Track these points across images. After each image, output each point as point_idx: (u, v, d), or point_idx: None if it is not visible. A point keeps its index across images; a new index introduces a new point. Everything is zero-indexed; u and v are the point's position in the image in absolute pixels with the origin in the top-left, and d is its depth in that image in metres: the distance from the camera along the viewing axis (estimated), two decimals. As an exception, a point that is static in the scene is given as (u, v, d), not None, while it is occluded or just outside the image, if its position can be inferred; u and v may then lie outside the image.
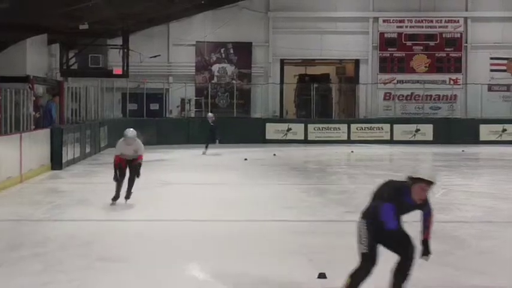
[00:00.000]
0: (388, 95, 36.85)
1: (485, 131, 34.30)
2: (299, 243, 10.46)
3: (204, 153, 26.79)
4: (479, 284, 8.30)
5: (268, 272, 8.63)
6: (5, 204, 14.46)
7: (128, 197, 14.11)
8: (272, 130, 34.19)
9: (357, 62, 37.33)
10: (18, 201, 15.29)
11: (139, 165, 14.07)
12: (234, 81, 36.34)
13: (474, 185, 18.38)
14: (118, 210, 13.60)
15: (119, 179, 14.04)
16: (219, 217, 12.83)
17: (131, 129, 13.97)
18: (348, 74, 38.92)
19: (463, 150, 29.40)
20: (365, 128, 34.68)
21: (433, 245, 10.40)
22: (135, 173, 14.03)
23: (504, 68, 36.87)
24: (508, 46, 36.52)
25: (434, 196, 15.86)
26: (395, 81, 36.67)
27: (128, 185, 14.11)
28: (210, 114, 28.83)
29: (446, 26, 36.75)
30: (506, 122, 34.59)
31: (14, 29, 22.52)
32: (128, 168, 14.13)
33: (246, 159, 24.84)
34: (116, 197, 14.07)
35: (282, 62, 37.19)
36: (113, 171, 14.09)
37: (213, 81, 36.33)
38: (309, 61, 38.26)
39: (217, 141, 27.43)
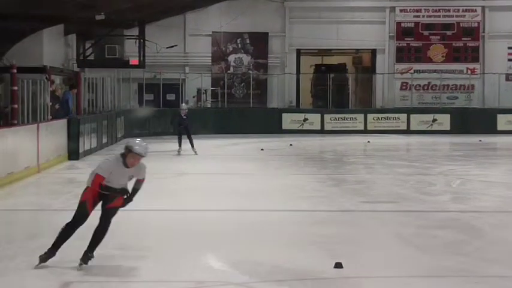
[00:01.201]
0: (404, 84, 36.72)
1: (503, 121, 34.11)
2: (315, 233, 10.46)
3: (179, 152, 22.69)
4: (495, 273, 8.28)
5: (284, 261, 8.63)
6: (23, 194, 14.55)
7: (88, 258, 8.53)
8: (288, 120, 34.16)
9: (373, 52, 37.19)
10: (36, 191, 15.41)
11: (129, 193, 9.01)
12: (250, 72, 36.33)
13: (491, 174, 18.28)
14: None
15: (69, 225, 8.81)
16: (235, 207, 12.84)
17: (144, 143, 8.64)
18: (365, 64, 38.82)
19: (480, 140, 29.26)
20: (381, 118, 34.57)
21: (449, 234, 10.47)
22: (106, 221, 8.85)
23: (522, 57, 36.65)
24: (525, 35, 36.30)
25: (451, 186, 15.92)
26: (412, 71, 36.52)
27: (93, 239, 8.77)
28: (184, 105, 24.35)
29: (464, 15, 36.52)
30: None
31: (31, 20, 22.62)
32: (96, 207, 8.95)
33: (262, 149, 24.84)
34: (45, 257, 8.50)
35: (299, 52, 37.12)
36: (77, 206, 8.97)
37: (229, 72, 36.35)
38: (326, 51, 38.19)
39: (194, 150, 22.64)
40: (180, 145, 22.86)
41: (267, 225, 11.16)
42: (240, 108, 34.56)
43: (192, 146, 22.70)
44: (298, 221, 11.50)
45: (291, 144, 27.03)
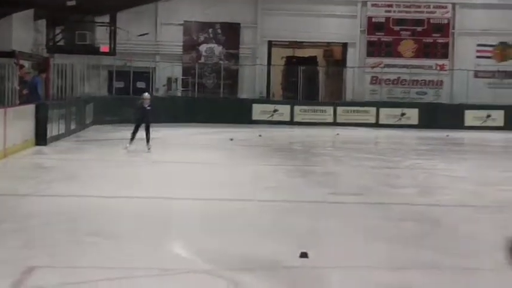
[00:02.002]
0: (374, 79, 36.93)
1: (470, 117, 34.48)
2: (282, 223, 10.52)
3: (127, 148, 19.74)
4: (458, 265, 8.38)
5: (250, 250, 8.68)
6: (-12, 179, 14.44)
7: None
8: (258, 111, 34.19)
9: (344, 46, 37.34)
10: (1, 176, 15.26)
11: None
12: (221, 62, 36.30)
13: (457, 169, 18.42)
14: (104, 187, 13.61)
15: None
16: (203, 196, 12.85)
17: None
18: (336, 57, 38.94)
19: (447, 135, 29.50)
20: (351, 111, 34.74)
21: (414, 227, 10.60)
22: None
23: (490, 54, 37.01)
24: (494, 33, 36.61)
25: (417, 179, 16.09)
26: (382, 65, 36.72)
27: None
28: (146, 94, 21.03)
29: (434, 12, 36.80)
30: (491, 108, 34.77)
31: (0, 4, 22.39)
32: None
33: (231, 139, 24.85)
34: None
35: (270, 44, 37.14)
36: None
37: (200, 61, 36.27)
38: (297, 43, 38.23)
39: (148, 146, 19.89)
40: (132, 139, 19.86)
41: (235, 214, 11.19)
42: (210, 98, 34.53)
43: (148, 142, 19.92)
44: (265, 211, 11.53)
45: (260, 135, 27.06)
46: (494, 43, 36.91)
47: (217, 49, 36.40)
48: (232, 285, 7.25)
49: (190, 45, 36.26)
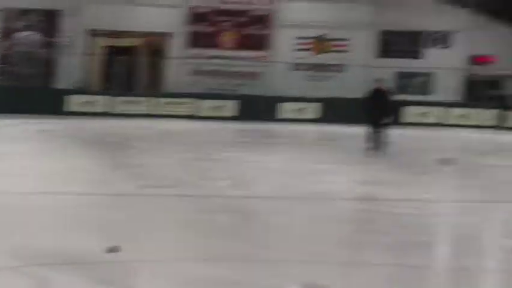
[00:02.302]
0: (195, 70, 37.09)
1: (286, 109, 35.29)
2: (91, 217, 10.41)
3: None
4: (271, 257, 8.60)
5: (57, 246, 8.53)
6: None
7: None
8: (75, 102, 33.33)
9: (166, 36, 37.24)
10: None
11: None
12: (38, 50, 35.23)
13: (270, 161, 18.74)
14: None
15: None
16: (8, 189, 12.35)
17: None
18: (157, 47, 38.73)
19: (262, 128, 29.98)
20: (170, 102, 34.69)
21: (228, 219, 10.79)
22: None
23: (309, 47, 38.12)
24: (313, 26, 37.63)
25: (231, 172, 16.33)
26: (204, 56, 36.94)
27: None
28: None
29: (256, 3, 37.41)
30: (307, 100, 35.75)
31: None
32: None
33: (42, 130, 24.07)
34: None
35: (90, 33, 36.38)
36: None
37: (16, 49, 35.02)
38: (118, 33, 37.63)
39: None
40: None
41: (41, 208, 10.89)
42: (22, 88, 33.26)
43: None
44: (74, 205, 11.31)
45: (74, 126, 26.38)
46: (313, 35, 38.00)
47: (35, 37, 35.30)
48: (38, 281, 7.08)
49: (7, 33, 34.92)
